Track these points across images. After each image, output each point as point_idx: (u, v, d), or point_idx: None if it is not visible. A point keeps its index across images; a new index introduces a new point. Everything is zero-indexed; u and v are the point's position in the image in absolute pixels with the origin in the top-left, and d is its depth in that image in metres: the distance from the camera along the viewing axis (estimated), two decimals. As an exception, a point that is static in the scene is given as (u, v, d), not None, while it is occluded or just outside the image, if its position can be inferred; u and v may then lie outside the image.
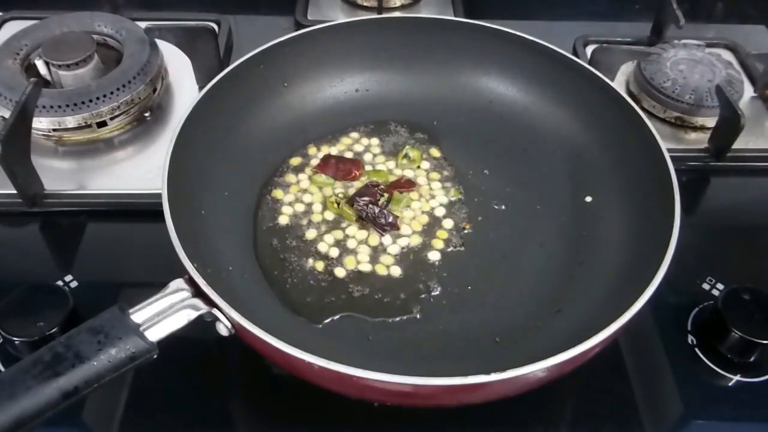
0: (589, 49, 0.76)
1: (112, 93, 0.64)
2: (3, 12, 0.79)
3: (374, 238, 0.55)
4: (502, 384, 0.39)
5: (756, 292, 0.52)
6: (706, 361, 0.52)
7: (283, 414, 0.49)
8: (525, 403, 0.44)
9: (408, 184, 0.59)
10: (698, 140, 0.69)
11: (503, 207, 0.58)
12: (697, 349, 0.52)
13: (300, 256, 0.54)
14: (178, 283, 0.43)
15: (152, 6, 0.83)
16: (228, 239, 0.53)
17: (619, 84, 0.73)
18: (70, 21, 0.70)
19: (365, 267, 0.53)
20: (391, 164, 0.61)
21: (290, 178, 0.59)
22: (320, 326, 0.50)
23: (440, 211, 0.57)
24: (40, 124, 0.63)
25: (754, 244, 0.62)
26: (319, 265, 0.53)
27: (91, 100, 0.63)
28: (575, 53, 0.78)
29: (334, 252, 0.54)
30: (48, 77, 0.67)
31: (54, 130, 0.64)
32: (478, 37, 0.64)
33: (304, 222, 0.56)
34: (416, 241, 0.55)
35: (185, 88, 0.71)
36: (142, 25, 0.71)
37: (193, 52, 0.70)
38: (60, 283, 0.54)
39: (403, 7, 0.85)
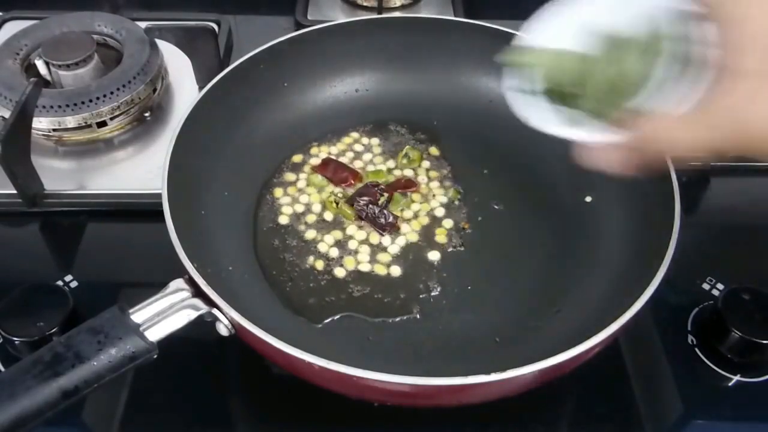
0: (589, 49, 0.76)
1: (112, 93, 0.64)
2: (3, 12, 0.79)
3: (374, 238, 0.55)
4: (502, 384, 0.39)
5: (756, 292, 0.52)
6: (706, 361, 0.52)
7: (283, 414, 0.49)
8: (525, 403, 0.44)
9: (408, 184, 0.59)
10: (698, 140, 0.69)
11: (503, 207, 0.58)
12: (697, 349, 0.52)
13: (300, 256, 0.54)
14: (178, 283, 0.43)
15: (152, 6, 0.83)
16: (228, 239, 0.53)
17: (619, 84, 0.73)
18: (70, 21, 0.70)
19: (365, 267, 0.53)
20: (391, 164, 0.61)
21: (290, 178, 0.59)
22: (320, 326, 0.50)
23: (440, 211, 0.57)
24: (40, 124, 0.63)
25: (754, 244, 0.62)
26: (319, 265, 0.53)
27: (91, 100, 0.63)
28: (575, 53, 0.77)
29: (334, 252, 0.54)
30: (48, 77, 0.67)
31: (54, 130, 0.64)
32: (478, 37, 0.64)
33: (304, 222, 0.56)
34: (416, 241, 0.55)
35: (185, 88, 0.71)
36: (142, 25, 0.71)
37: (193, 52, 0.69)
38: (60, 283, 0.55)
39: (403, 7, 0.85)
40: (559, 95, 0.44)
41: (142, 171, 0.63)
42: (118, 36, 0.70)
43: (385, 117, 0.65)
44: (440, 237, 0.56)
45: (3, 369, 0.49)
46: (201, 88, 0.57)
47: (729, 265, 0.58)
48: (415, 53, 0.65)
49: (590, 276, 0.52)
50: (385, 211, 0.56)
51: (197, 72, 0.70)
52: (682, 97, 0.37)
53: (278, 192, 0.58)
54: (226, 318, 0.42)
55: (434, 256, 0.54)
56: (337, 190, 0.58)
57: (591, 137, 0.41)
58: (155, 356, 0.41)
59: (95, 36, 0.69)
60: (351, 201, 0.56)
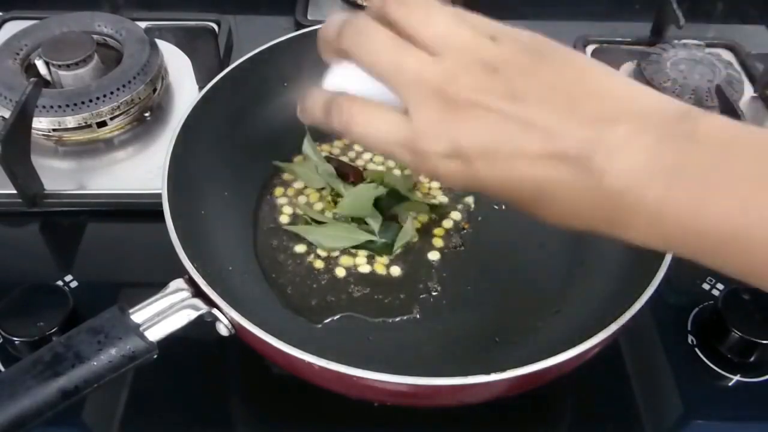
0: (589, 49, 0.76)
1: (112, 93, 0.64)
2: (3, 12, 0.79)
3: (374, 238, 0.55)
4: (502, 384, 0.39)
5: (756, 292, 0.52)
6: (706, 361, 0.52)
7: (283, 414, 0.49)
8: (525, 403, 0.44)
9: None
10: (698, 140, 0.69)
11: (503, 207, 0.58)
12: (697, 349, 0.52)
13: (300, 256, 0.54)
14: (178, 283, 0.43)
15: (152, 6, 0.82)
16: (228, 239, 0.53)
17: (619, 84, 0.73)
18: (70, 21, 0.70)
19: (365, 267, 0.53)
20: (391, 164, 0.61)
21: (290, 177, 0.59)
22: (320, 326, 0.50)
23: (440, 211, 0.57)
24: (40, 124, 0.63)
25: (754, 244, 0.62)
26: (319, 265, 0.53)
27: (91, 100, 0.63)
28: (575, 53, 0.77)
29: (334, 252, 0.54)
30: (48, 77, 0.67)
31: (54, 130, 0.64)
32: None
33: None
34: (416, 241, 0.55)
35: (185, 88, 0.71)
36: (142, 25, 0.71)
37: (193, 52, 0.69)
38: (60, 283, 0.54)
39: (403, 7, 0.85)
40: None
41: (142, 171, 0.63)
42: (118, 36, 0.70)
43: (385, 117, 0.64)
44: (440, 237, 0.56)
45: (3, 369, 0.49)
46: (201, 88, 0.57)
47: (729, 265, 0.58)
48: (415, 53, 0.65)
49: (590, 276, 0.52)
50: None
51: (197, 72, 0.70)
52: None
53: (278, 192, 0.58)
54: (226, 318, 0.42)
55: (434, 256, 0.54)
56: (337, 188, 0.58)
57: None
58: (155, 356, 0.41)
59: (95, 36, 0.69)
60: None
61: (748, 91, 0.73)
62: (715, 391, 0.51)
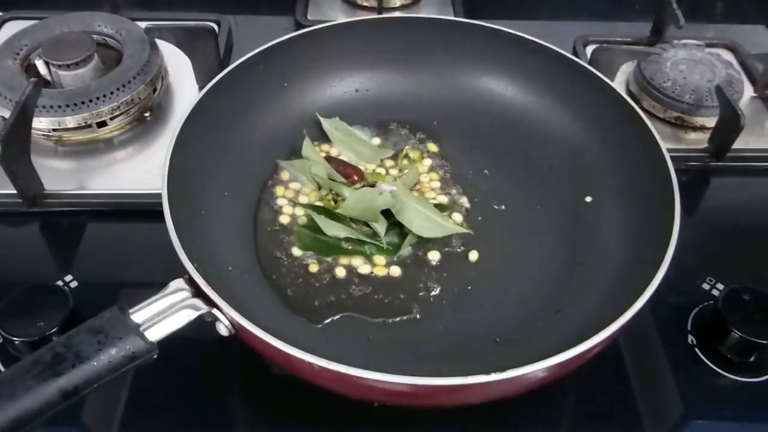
0: (589, 49, 0.76)
1: (112, 93, 0.64)
2: (3, 12, 0.79)
3: (374, 238, 0.55)
4: (502, 384, 0.39)
5: (756, 292, 0.52)
6: (706, 361, 0.52)
7: (283, 414, 0.49)
8: (525, 403, 0.44)
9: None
10: (698, 140, 0.69)
11: (503, 207, 0.58)
12: (697, 349, 0.52)
13: (300, 257, 0.54)
14: (178, 283, 0.43)
15: (152, 6, 0.82)
16: (228, 239, 0.53)
17: (619, 84, 0.73)
18: (70, 21, 0.70)
19: (365, 267, 0.53)
20: (391, 164, 0.61)
21: (290, 176, 0.59)
22: (320, 326, 0.50)
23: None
24: (40, 124, 0.63)
25: (754, 244, 0.62)
26: (319, 265, 0.53)
27: (91, 100, 0.63)
28: (575, 53, 0.78)
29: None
30: (48, 77, 0.67)
31: (54, 130, 0.64)
32: (478, 37, 0.64)
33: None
34: (416, 241, 0.55)
35: (185, 88, 0.71)
36: (142, 25, 0.71)
37: (193, 52, 0.70)
38: (60, 283, 0.54)
39: (403, 7, 0.85)
40: None
41: (142, 171, 0.63)
42: (118, 36, 0.70)
43: (385, 117, 0.65)
44: (440, 237, 0.56)
45: (3, 369, 0.49)
46: (201, 88, 0.57)
47: (729, 265, 0.58)
48: (415, 53, 0.65)
49: (590, 276, 0.52)
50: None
51: (197, 72, 0.70)
52: None
53: (278, 192, 0.58)
54: (226, 318, 0.42)
55: (434, 256, 0.54)
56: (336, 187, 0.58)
57: None
58: (155, 356, 0.41)
59: (95, 36, 0.69)
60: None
61: (748, 91, 0.73)
62: (715, 391, 0.51)
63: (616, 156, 0.58)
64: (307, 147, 0.59)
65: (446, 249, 0.55)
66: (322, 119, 0.62)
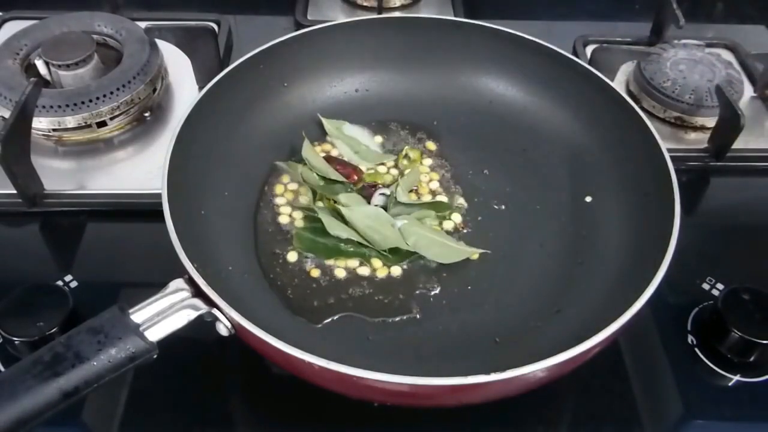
0: (589, 49, 0.76)
1: (112, 93, 0.64)
2: (3, 12, 0.79)
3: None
4: (502, 384, 0.39)
5: (756, 292, 0.52)
6: (706, 361, 0.52)
7: (283, 414, 0.49)
8: (525, 403, 0.44)
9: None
10: (698, 140, 0.69)
11: (503, 207, 0.58)
12: (697, 349, 0.52)
13: (300, 257, 0.54)
14: (178, 283, 0.43)
15: (152, 6, 0.82)
16: (228, 239, 0.53)
17: (619, 84, 0.73)
18: (70, 21, 0.70)
19: (365, 268, 0.53)
20: (391, 164, 0.61)
21: (290, 177, 0.59)
22: (320, 326, 0.50)
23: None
24: (40, 124, 0.63)
25: (754, 244, 0.62)
26: (319, 265, 0.53)
27: (91, 100, 0.63)
28: (575, 53, 0.78)
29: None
30: (48, 77, 0.67)
31: (54, 130, 0.64)
32: (478, 37, 0.64)
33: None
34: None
35: (185, 88, 0.71)
36: (142, 25, 0.71)
37: (193, 52, 0.70)
38: (60, 283, 0.54)
39: (403, 7, 0.85)
40: None
41: (142, 171, 0.63)
42: (118, 36, 0.70)
43: (385, 117, 0.65)
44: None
45: (3, 369, 0.49)
46: (201, 88, 0.57)
47: (729, 265, 0.58)
48: (415, 53, 0.65)
49: (590, 276, 0.52)
50: None
51: (197, 72, 0.70)
52: None
53: (278, 191, 0.58)
54: (226, 318, 0.42)
55: (434, 256, 0.54)
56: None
57: None
58: (155, 356, 0.41)
59: (95, 36, 0.69)
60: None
61: (748, 91, 0.73)
62: (715, 391, 0.51)
63: (616, 156, 0.58)
64: (307, 148, 0.59)
65: (446, 249, 0.55)
66: (323, 119, 0.62)
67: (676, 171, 0.51)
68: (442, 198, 0.58)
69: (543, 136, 0.63)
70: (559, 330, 0.48)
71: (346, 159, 0.61)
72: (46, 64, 0.66)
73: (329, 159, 0.60)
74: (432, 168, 0.61)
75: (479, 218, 0.57)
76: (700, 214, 0.65)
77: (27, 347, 0.48)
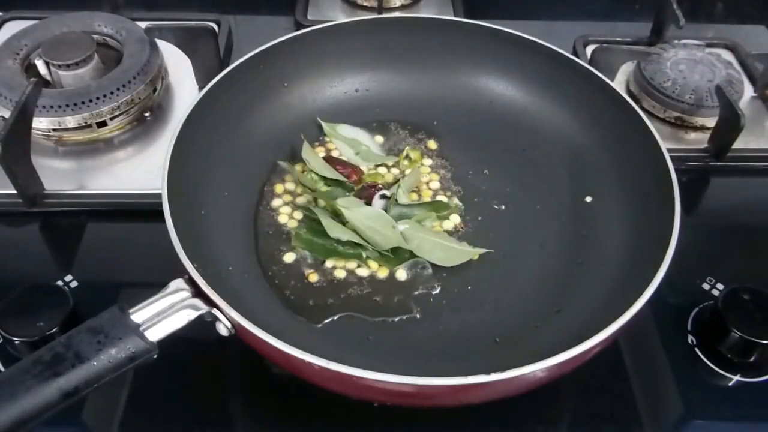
0: (589, 49, 0.76)
1: (112, 93, 0.64)
2: (3, 12, 0.79)
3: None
4: (502, 384, 0.39)
5: (756, 292, 0.52)
6: (706, 361, 0.52)
7: (283, 414, 0.49)
8: (525, 403, 0.44)
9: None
10: (698, 140, 0.69)
11: (503, 207, 0.58)
12: (697, 349, 0.52)
13: (300, 257, 0.54)
14: (178, 283, 0.43)
15: (152, 6, 0.83)
16: (228, 239, 0.53)
17: (619, 84, 0.73)
18: (70, 21, 0.70)
19: (365, 268, 0.53)
20: (391, 164, 0.61)
21: (290, 177, 0.59)
22: (320, 326, 0.50)
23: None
24: (40, 124, 0.63)
25: (754, 244, 0.62)
26: (319, 265, 0.53)
27: (91, 100, 0.63)
28: (575, 53, 0.78)
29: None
30: (48, 77, 0.67)
31: (54, 130, 0.64)
32: (478, 37, 0.64)
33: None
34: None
35: (185, 88, 0.71)
36: (142, 25, 0.71)
37: (193, 52, 0.69)
38: (60, 283, 0.54)
39: (403, 7, 0.85)
40: None
41: (142, 171, 0.63)
42: (118, 36, 0.70)
43: (385, 117, 0.65)
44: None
45: (3, 369, 0.49)
46: (201, 88, 0.57)
47: (729, 265, 0.58)
48: (415, 53, 0.65)
49: (590, 276, 0.52)
50: None
51: (197, 72, 0.70)
52: None
53: (278, 192, 0.58)
54: (226, 318, 0.42)
55: (434, 256, 0.54)
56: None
57: None
58: (155, 356, 0.41)
59: (95, 36, 0.69)
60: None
61: (748, 91, 0.73)
62: (715, 391, 0.51)
63: (616, 156, 0.58)
64: (307, 149, 0.59)
65: (446, 249, 0.55)
66: (323, 123, 0.62)
67: (676, 171, 0.51)
68: (443, 198, 0.58)
69: (543, 136, 0.63)
70: (559, 330, 0.48)
71: (346, 160, 0.61)
72: (46, 64, 0.66)
73: (329, 159, 0.60)
74: (432, 168, 0.61)
75: (479, 218, 0.57)
76: (700, 214, 0.65)
77: (27, 347, 0.48)
